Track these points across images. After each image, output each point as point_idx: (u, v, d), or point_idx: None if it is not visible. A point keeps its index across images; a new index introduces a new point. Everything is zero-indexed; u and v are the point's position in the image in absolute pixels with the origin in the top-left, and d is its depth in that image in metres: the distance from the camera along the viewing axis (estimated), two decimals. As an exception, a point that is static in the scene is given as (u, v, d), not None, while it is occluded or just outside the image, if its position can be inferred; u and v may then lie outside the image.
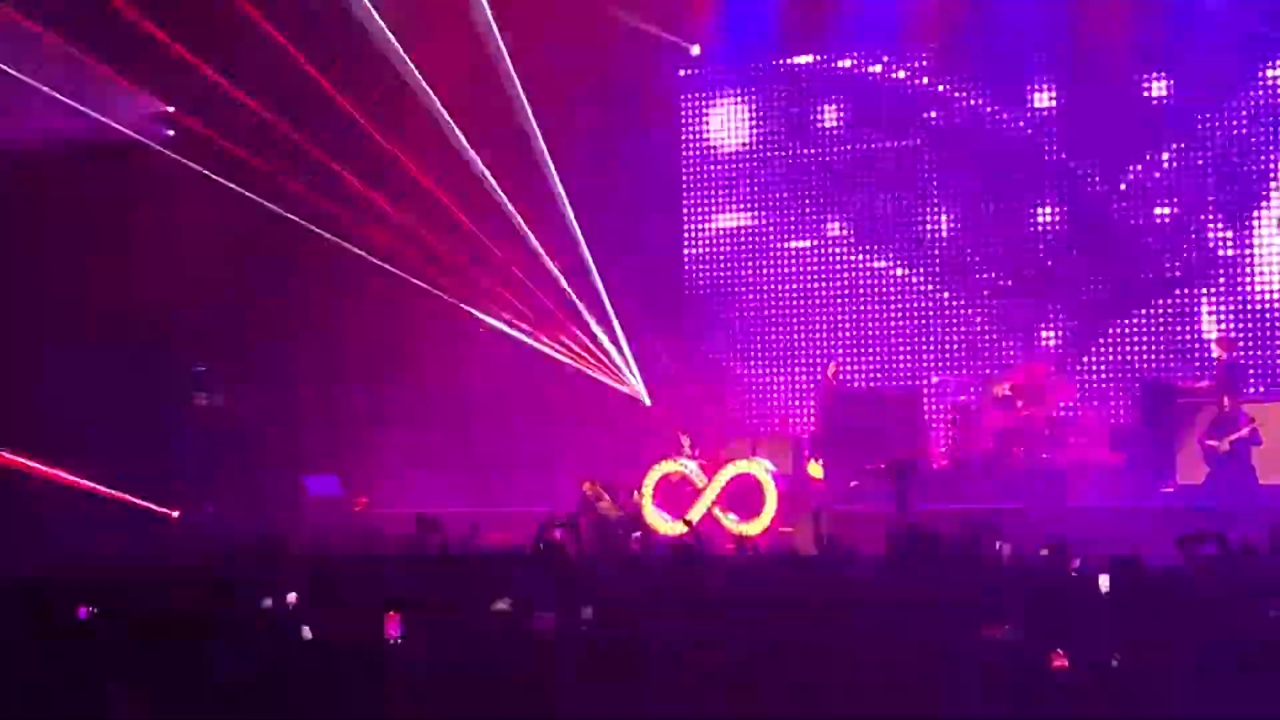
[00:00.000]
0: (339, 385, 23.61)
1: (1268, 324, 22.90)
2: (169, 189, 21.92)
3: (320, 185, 22.36)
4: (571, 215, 23.66)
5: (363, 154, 22.45)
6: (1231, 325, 22.72)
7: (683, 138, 25.76)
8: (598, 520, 19.99)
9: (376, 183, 22.78)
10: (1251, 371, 22.14)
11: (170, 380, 24.06)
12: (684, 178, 25.63)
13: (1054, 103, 23.99)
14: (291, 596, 11.18)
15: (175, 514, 21.57)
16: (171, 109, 22.63)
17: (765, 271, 25.14)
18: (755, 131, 25.46)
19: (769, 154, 25.36)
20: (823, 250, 25.02)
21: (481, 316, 23.73)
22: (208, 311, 23.30)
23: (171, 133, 22.65)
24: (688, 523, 19.13)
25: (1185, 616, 9.66)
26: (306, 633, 10.24)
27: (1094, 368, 23.52)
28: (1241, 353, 21.40)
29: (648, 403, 24.20)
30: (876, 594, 10.97)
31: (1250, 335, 22.54)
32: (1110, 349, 23.78)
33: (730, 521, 20.91)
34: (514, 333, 23.97)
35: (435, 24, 22.34)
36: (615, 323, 24.11)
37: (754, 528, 20.73)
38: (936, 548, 12.21)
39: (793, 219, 25.14)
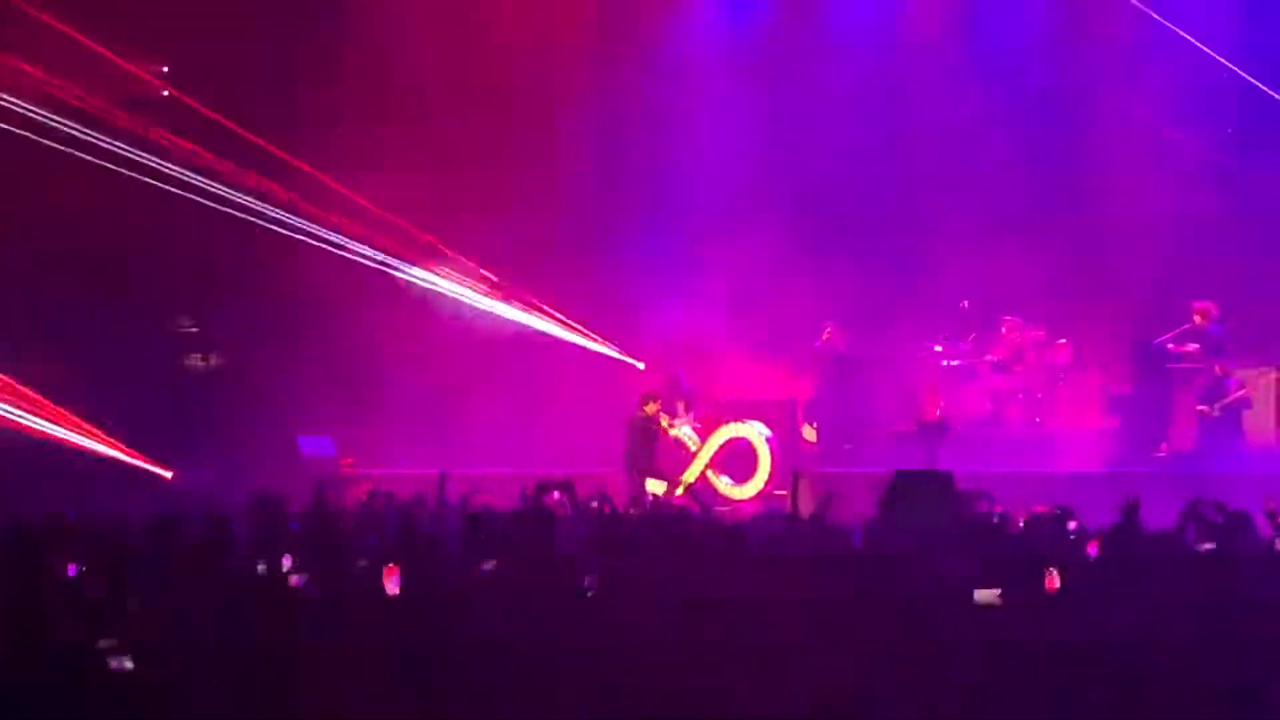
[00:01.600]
0: (336, 347, 23.43)
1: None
2: (165, 146, 21.83)
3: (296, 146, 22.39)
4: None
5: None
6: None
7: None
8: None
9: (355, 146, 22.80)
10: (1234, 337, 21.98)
11: (162, 341, 23.99)
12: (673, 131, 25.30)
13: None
14: (286, 560, 11.07)
15: (170, 474, 21.48)
16: (166, 69, 22.53)
17: (762, 229, 24.84)
18: (749, 90, 25.23)
19: (759, 110, 25.14)
20: (818, 209, 24.80)
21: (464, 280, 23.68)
22: (202, 272, 23.19)
23: (167, 93, 22.54)
24: (687, 485, 19.11)
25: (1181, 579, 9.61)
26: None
27: (1088, 331, 23.43)
28: (1219, 320, 21.30)
29: (640, 366, 24.08)
30: (866, 558, 10.90)
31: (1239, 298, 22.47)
32: (1104, 312, 23.73)
33: (724, 485, 20.90)
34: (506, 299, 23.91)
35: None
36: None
37: (748, 491, 20.72)
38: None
39: (788, 173, 24.89)
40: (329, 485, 17.93)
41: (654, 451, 20.64)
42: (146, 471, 21.33)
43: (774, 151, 24.58)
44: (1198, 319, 21.17)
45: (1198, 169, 23.07)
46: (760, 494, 20.64)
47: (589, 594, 9.73)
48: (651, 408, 20.71)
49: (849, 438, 22.46)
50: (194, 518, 13.00)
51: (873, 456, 21.22)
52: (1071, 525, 11.71)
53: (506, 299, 23.84)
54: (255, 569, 10.88)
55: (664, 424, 20.75)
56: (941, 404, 22.48)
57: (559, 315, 23.97)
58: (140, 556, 10.94)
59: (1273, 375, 20.87)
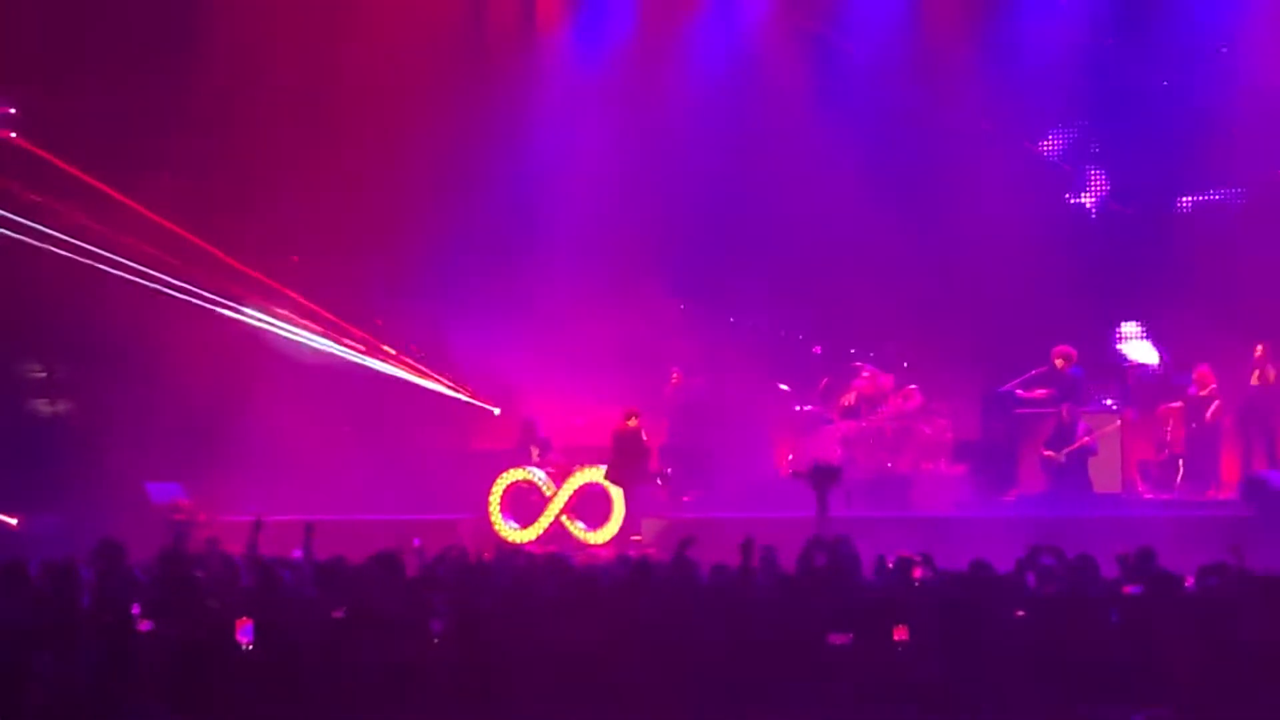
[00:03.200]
0: (185, 392, 23.06)
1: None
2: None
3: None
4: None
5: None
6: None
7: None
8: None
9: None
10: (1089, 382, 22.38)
11: (8, 386, 23.62)
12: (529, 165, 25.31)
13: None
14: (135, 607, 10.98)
15: (14, 521, 21.11)
16: (14, 110, 22.24)
17: (620, 275, 24.80)
18: (600, 133, 25.31)
19: (610, 155, 25.22)
20: (673, 256, 24.87)
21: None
22: (51, 314, 22.84)
23: (14, 134, 22.27)
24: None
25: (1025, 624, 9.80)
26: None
27: (937, 377, 23.71)
28: (1078, 364, 21.74)
29: (496, 412, 24.04)
30: (728, 602, 10.98)
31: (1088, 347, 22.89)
32: (954, 359, 24.08)
33: (578, 530, 20.93)
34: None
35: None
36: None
37: (602, 536, 20.77)
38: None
39: (645, 220, 24.91)
40: (178, 532, 17.79)
41: (641, 463, 20.94)
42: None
43: (627, 198, 24.63)
44: (1059, 363, 21.58)
45: (1044, 221, 23.52)
46: (615, 539, 20.68)
47: (436, 640, 9.78)
48: (633, 421, 20.83)
49: (701, 483, 22.59)
50: (39, 564, 12.86)
51: (729, 500, 21.35)
52: (916, 574, 11.86)
53: (351, 340, 23.73)
54: (102, 614, 10.79)
55: (644, 437, 20.97)
56: (792, 449, 22.74)
57: (410, 359, 23.89)
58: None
59: (1116, 423, 21.28)
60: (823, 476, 18.81)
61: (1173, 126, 23.06)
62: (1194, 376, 21.80)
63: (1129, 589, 10.90)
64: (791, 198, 24.25)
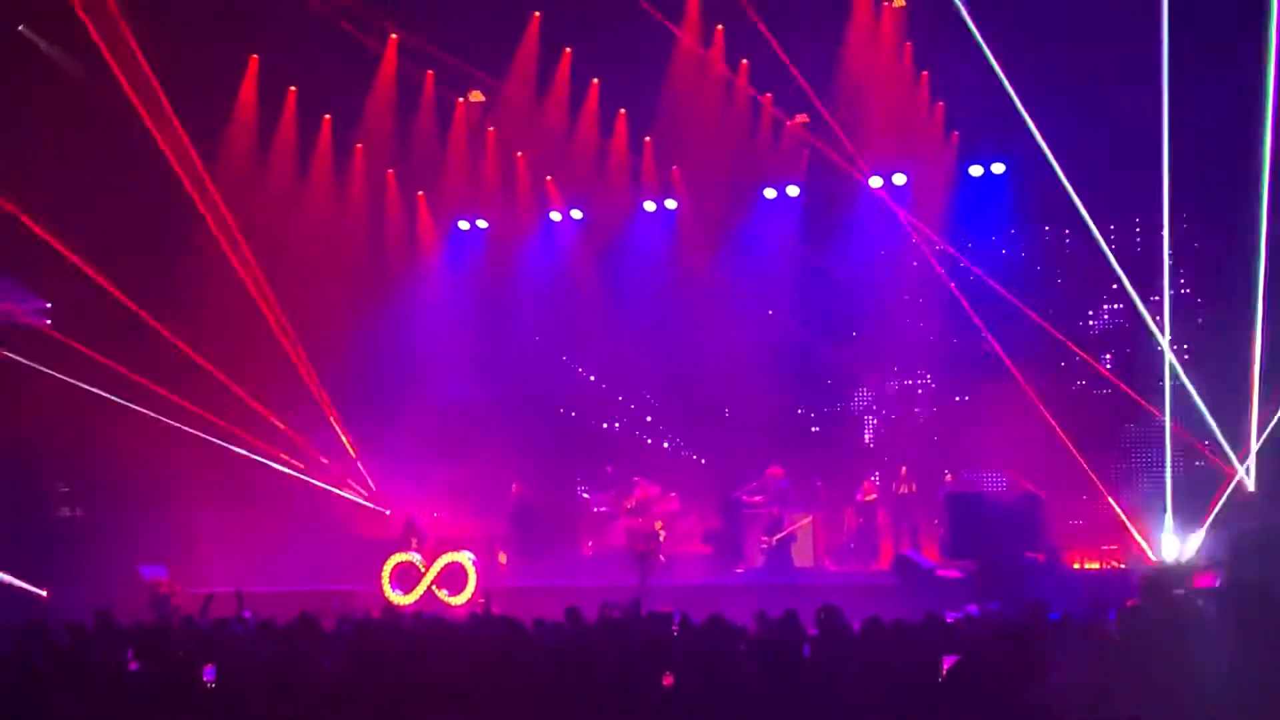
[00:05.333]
0: (162, 496, 22.31)
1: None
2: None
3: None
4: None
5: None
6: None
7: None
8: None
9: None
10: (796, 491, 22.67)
11: (40, 499, 22.95)
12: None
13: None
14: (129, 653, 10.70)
15: (44, 593, 20.36)
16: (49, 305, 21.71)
17: (469, 424, 24.64)
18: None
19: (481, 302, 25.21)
20: (512, 407, 24.87)
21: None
22: (71, 447, 22.16)
23: (49, 321, 21.70)
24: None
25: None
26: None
27: (690, 488, 23.98)
28: (785, 479, 22.13)
29: (387, 513, 23.72)
30: (547, 645, 10.91)
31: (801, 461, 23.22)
32: (701, 473, 24.40)
33: (444, 595, 20.70)
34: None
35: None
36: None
37: (460, 599, 20.57)
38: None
39: (491, 381, 24.89)
40: (161, 601, 17.38)
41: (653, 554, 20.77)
42: (28, 591, 20.25)
43: (477, 367, 24.66)
44: (772, 480, 22.00)
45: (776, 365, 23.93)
46: (469, 601, 20.48)
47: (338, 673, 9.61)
48: (658, 524, 20.97)
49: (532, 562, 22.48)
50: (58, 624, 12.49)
51: (550, 573, 21.26)
52: (674, 626, 11.88)
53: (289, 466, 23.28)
54: (103, 659, 10.51)
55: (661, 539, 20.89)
56: (591, 539, 22.72)
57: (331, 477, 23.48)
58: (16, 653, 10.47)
59: (809, 519, 21.66)
60: (642, 557, 19.18)
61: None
62: (863, 487, 22.34)
63: (814, 633, 11.06)
64: (592, 367, 24.57)
